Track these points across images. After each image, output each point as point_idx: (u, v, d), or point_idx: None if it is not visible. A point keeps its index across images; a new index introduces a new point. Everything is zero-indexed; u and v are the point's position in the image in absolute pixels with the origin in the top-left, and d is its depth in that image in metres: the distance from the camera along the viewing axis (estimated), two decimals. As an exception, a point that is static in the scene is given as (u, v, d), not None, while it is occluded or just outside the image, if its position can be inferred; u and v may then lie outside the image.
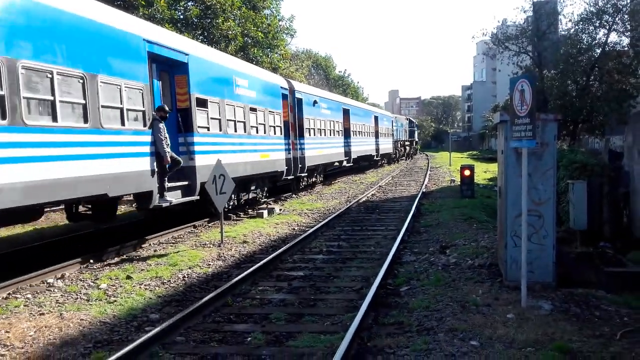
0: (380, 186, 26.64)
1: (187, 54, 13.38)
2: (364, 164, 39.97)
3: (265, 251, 11.87)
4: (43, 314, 7.55)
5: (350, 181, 30.31)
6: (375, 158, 41.83)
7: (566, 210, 13.70)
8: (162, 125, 11.86)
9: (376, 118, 43.42)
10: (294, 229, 14.92)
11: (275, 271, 10.03)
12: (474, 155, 72.36)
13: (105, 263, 10.75)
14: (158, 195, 11.91)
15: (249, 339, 6.62)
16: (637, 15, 23.45)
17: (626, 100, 23.07)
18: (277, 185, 21.59)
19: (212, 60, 15.21)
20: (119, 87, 10.71)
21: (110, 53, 10.59)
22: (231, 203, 16.23)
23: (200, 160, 13.66)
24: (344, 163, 31.80)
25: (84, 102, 9.71)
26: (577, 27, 26.27)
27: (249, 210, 17.85)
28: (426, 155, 72.34)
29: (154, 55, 12.10)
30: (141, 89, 11.47)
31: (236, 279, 8.87)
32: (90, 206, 12.43)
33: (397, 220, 15.49)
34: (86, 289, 8.82)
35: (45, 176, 8.77)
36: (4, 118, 8.06)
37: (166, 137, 11.94)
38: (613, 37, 25.67)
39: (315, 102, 25.62)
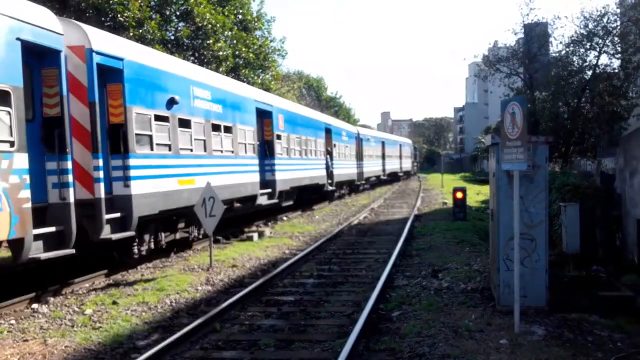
0: (372, 208, 26.59)
1: (329, 124, 30.22)
2: (382, 179, 53.54)
3: (255, 275, 11.71)
4: (27, 340, 7.39)
5: (360, 197, 30.41)
6: (399, 174, 58.41)
7: (559, 234, 13.63)
8: (328, 156, 27.89)
9: (400, 145, 60.36)
10: (284, 252, 14.78)
11: (265, 296, 9.88)
12: (466, 177, 72.31)
13: (91, 288, 10.56)
14: (326, 185, 27.62)
15: (237, 367, 6.46)
16: (627, 38, 23.62)
17: (617, 122, 23.10)
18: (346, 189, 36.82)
19: (337, 126, 33.23)
20: (316, 141, 27.79)
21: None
22: (337, 194, 31.74)
23: (335, 171, 29.51)
24: (381, 176, 48.37)
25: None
26: (567, 49, 26.36)
27: (239, 234, 17.71)
28: (418, 176, 72.35)
29: (326, 129, 29.23)
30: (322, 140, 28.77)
31: (225, 304, 8.73)
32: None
33: (389, 243, 15.36)
34: (71, 315, 8.65)
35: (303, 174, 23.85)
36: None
37: (329, 161, 27.39)
38: (604, 59, 25.68)
39: (368, 139, 42.02)
